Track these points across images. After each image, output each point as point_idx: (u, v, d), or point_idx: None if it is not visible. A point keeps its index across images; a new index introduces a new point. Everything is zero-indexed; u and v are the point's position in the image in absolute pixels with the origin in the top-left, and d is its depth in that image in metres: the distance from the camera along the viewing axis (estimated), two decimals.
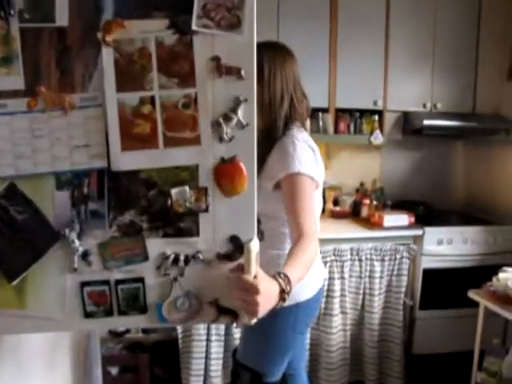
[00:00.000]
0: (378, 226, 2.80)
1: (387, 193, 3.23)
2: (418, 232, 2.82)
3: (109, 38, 0.98)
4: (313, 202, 1.41)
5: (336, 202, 3.18)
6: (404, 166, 3.43)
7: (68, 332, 1.79)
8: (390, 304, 2.79)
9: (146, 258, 1.05)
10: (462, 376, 2.55)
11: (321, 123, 2.95)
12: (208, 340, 2.54)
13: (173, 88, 1.01)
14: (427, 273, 2.86)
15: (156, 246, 1.05)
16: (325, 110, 2.96)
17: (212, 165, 1.03)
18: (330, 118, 2.95)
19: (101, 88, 0.99)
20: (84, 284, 1.05)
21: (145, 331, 2.65)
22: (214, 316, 1.08)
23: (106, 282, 1.06)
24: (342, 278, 2.66)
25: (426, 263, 2.85)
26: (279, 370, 1.63)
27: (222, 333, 2.55)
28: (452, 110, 3.09)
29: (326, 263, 2.60)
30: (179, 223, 1.05)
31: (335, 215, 3.09)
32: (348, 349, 2.75)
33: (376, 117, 3.05)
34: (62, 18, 0.96)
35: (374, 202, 3.11)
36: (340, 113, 3.02)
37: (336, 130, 3.00)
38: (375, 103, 3.00)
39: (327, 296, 2.65)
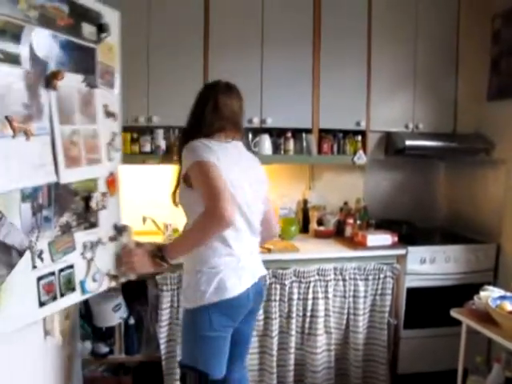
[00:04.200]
0: (362, 245, 2.82)
1: (371, 212, 3.26)
2: (402, 251, 2.84)
3: (55, 84, 1.32)
4: (213, 179, 1.62)
5: (320, 222, 3.19)
6: (387, 185, 3.47)
7: (49, 354, 1.77)
8: (374, 323, 2.79)
9: (74, 248, 1.43)
10: None
11: (304, 144, 2.98)
12: None
13: (87, 124, 1.48)
14: (411, 292, 2.88)
15: (79, 237, 1.45)
16: (308, 131, 3.00)
17: (106, 176, 1.55)
18: (313, 139, 2.98)
19: (49, 120, 1.33)
20: (39, 278, 1.32)
21: (128, 352, 2.62)
22: (109, 282, 1.57)
23: (53, 273, 1.36)
24: (326, 297, 2.66)
25: (410, 282, 2.87)
26: (217, 367, 1.78)
27: None
28: (433, 131, 3.15)
29: (309, 283, 2.61)
30: (90, 218, 1.48)
31: (319, 235, 3.11)
32: (333, 369, 2.74)
33: (359, 137, 3.09)
34: (26, 63, 1.27)
35: (358, 222, 3.13)
36: (323, 133, 3.05)
37: (319, 151, 3.03)
38: (358, 124, 3.04)
39: (311, 316, 2.65)
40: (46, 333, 1.71)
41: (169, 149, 2.83)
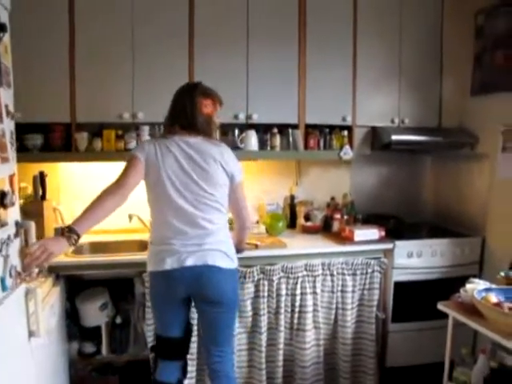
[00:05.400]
0: (349, 240, 2.83)
1: (358, 207, 3.27)
2: (389, 246, 2.85)
3: None
4: (127, 166, 2.01)
5: (307, 217, 3.19)
6: (374, 180, 3.49)
7: (34, 355, 1.74)
8: (362, 318, 2.80)
9: None
10: None
11: (291, 139, 2.98)
12: None
13: None
14: (398, 286, 2.89)
15: None
16: (295, 127, 2.99)
17: (10, 175, 1.60)
18: (299, 135, 2.98)
19: None
20: None
21: (115, 352, 2.60)
22: (18, 276, 1.61)
23: None
24: (315, 292, 2.67)
25: (397, 276, 2.88)
26: (160, 325, 2.17)
27: (195, 351, 2.51)
28: (419, 125, 3.17)
29: (297, 278, 2.61)
30: (2, 216, 1.50)
31: (307, 230, 3.11)
32: (322, 364, 2.75)
33: (345, 132, 3.10)
34: None
35: (345, 217, 3.13)
36: (310, 129, 3.05)
37: (306, 146, 3.03)
38: (344, 119, 3.05)
39: (300, 311, 2.66)
40: (31, 334, 1.69)
41: None
